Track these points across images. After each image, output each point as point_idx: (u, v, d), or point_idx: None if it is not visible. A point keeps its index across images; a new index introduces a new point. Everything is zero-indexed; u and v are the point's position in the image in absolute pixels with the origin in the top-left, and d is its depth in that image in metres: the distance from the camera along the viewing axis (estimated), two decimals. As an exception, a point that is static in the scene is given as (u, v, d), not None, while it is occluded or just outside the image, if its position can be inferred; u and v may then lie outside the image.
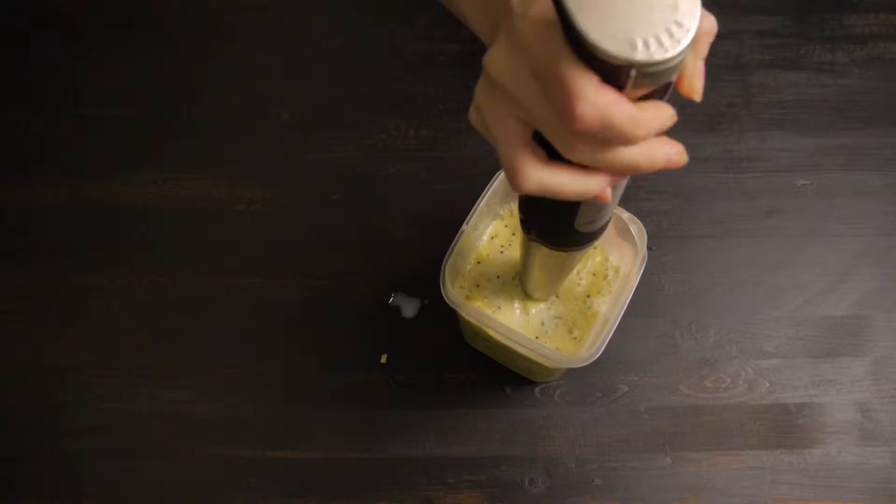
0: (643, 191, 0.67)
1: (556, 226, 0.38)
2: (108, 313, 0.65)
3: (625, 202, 0.66)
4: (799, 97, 0.71)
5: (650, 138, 0.28)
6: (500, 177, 0.52)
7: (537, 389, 0.62)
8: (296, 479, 0.60)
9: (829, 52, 0.72)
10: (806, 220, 0.67)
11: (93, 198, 0.68)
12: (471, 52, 0.73)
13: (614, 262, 0.55)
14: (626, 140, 0.26)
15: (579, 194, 0.29)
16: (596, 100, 0.25)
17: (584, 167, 0.28)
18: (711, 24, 0.27)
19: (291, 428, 0.61)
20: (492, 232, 0.56)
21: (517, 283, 0.54)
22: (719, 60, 0.72)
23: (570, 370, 0.62)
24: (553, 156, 0.29)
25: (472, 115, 0.31)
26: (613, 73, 0.25)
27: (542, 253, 0.42)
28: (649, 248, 0.65)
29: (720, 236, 0.66)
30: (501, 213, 0.57)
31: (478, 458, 0.60)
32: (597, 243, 0.55)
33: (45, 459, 0.61)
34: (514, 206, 0.57)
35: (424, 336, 0.63)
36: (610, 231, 0.53)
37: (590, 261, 0.56)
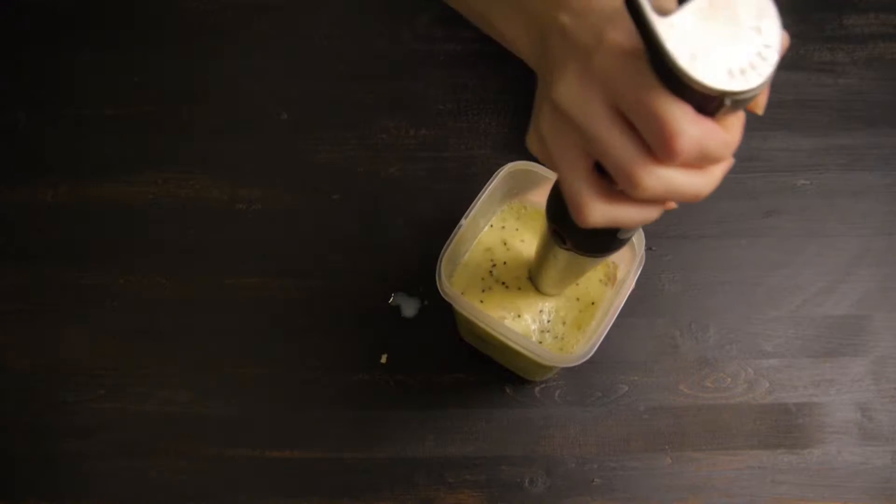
0: (643, 191, 0.67)
1: (596, 238, 0.37)
2: (108, 313, 0.65)
3: (625, 202, 0.66)
4: (799, 97, 0.71)
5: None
6: (500, 174, 0.52)
7: (537, 389, 0.62)
8: (296, 479, 0.60)
9: (829, 52, 0.72)
10: (806, 220, 0.67)
11: (93, 198, 0.68)
12: (471, 52, 0.73)
13: (613, 263, 0.55)
14: (717, 164, 0.26)
15: (642, 223, 0.29)
16: (695, 134, 0.24)
17: None
18: (787, 40, 0.26)
19: (291, 428, 0.61)
20: (492, 228, 0.56)
21: (514, 279, 0.54)
22: (719, 60, 0.72)
23: (569, 370, 0.62)
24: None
25: (533, 144, 0.30)
26: (705, 102, 0.24)
27: (568, 259, 0.41)
28: (649, 249, 0.65)
29: (720, 236, 0.66)
30: (501, 210, 0.57)
31: (478, 458, 0.60)
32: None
33: (45, 459, 0.61)
34: (515, 202, 0.57)
35: (424, 336, 0.63)
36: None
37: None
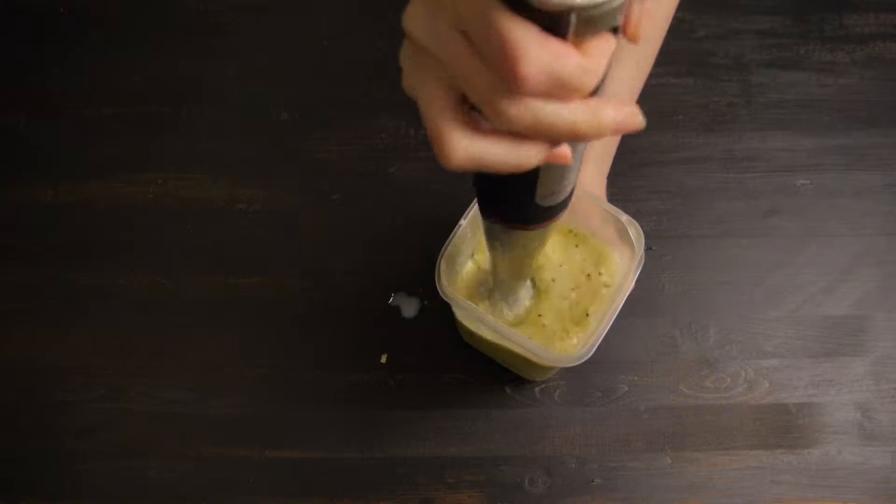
0: (643, 191, 0.67)
1: (514, 203, 0.34)
2: (108, 313, 0.65)
3: (624, 202, 0.66)
4: (799, 97, 0.71)
5: (593, 99, 0.25)
6: None
7: (537, 389, 0.62)
8: (296, 479, 0.60)
9: (829, 52, 0.72)
10: (806, 220, 0.67)
11: (93, 198, 0.68)
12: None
13: (612, 263, 0.55)
14: (577, 94, 0.23)
15: (517, 165, 0.26)
16: (541, 57, 0.22)
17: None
18: None
19: (291, 428, 0.61)
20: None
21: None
22: (719, 60, 0.72)
23: (569, 370, 0.62)
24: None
25: (404, 80, 0.27)
26: (550, 22, 0.22)
27: (503, 236, 0.38)
28: (649, 249, 0.65)
29: (720, 236, 0.66)
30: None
31: (478, 458, 0.60)
32: (595, 244, 0.56)
33: (45, 459, 0.61)
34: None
35: (424, 336, 0.63)
36: (609, 232, 0.53)
37: (588, 261, 0.56)
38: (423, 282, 0.64)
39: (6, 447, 0.61)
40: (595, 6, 0.22)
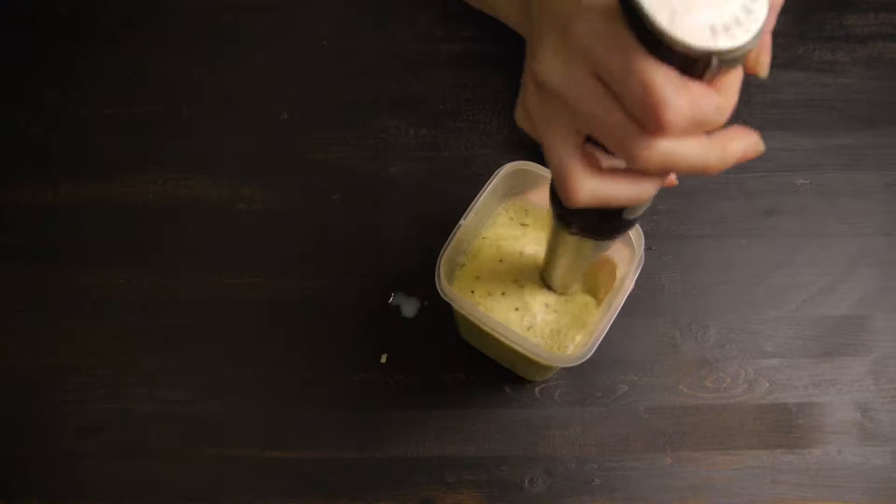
0: (643, 191, 0.67)
1: (601, 217, 0.35)
2: (108, 313, 0.65)
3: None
4: (799, 97, 0.71)
5: (720, 134, 0.25)
6: (500, 173, 0.52)
7: (537, 389, 0.62)
8: (296, 479, 0.60)
9: (829, 52, 0.72)
10: (806, 220, 0.67)
11: (93, 198, 0.68)
12: (471, 52, 0.73)
13: (614, 264, 0.55)
14: (713, 129, 0.24)
15: (637, 200, 0.27)
16: (684, 103, 0.22)
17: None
18: None
19: (291, 428, 0.61)
20: (491, 229, 0.56)
21: (515, 279, 0.54)
22: (719, 60, 0.72)
23: (569, 370, 0.62)
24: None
25: (521, 120, 0.28)
26: (690, 65, 0.22)
27: (576, 244, 0.39)
28: (649, 248, 0.65)
29: (720, 236, 0.66)
30: (501, 209, 0.57)
31: (478, 458, 0.60)
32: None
33: (45, 459, 0.61)
34: (515, 202, 0.57)
35: (424, 336, 0.63)
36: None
37: (586, 261, 0.56)
38: (423, 282, 0.64)
39: (6, 447, 0.61)
40: (736, 49, 0.22)
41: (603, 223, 0.36)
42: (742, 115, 0.70)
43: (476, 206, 0.51)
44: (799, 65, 0.72)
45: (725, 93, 0.24)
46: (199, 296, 0.65)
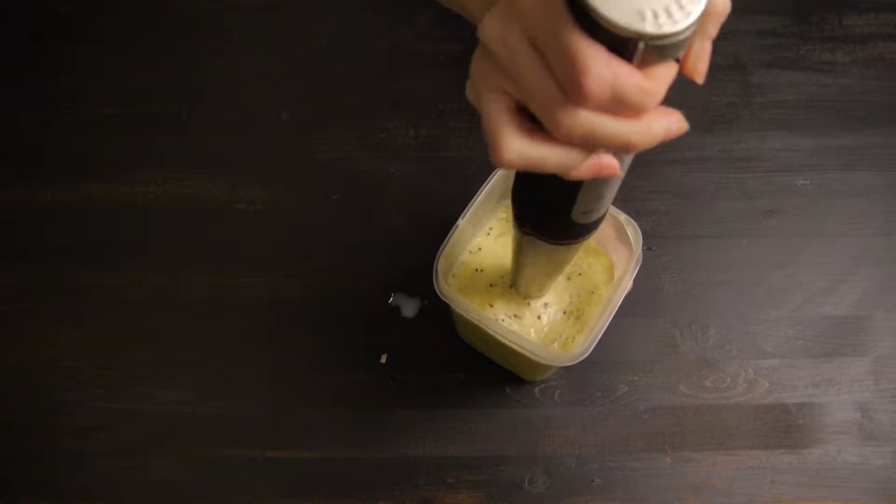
0: (643, 191, 0.67)
1: (551, 216, 0.36)
2: (108, 313, 0.65)
3: (624, 202, 0.66)
4: (799, 97, 0.71)
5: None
6: (498, 173, 0.52)
7: (537, 389, 0.62)
8: (296, 479, 0.60)
9: (829, 52, 0.72)
10: (806, 220, 0.67)
11: (93, 198, 0.68)
12: (471, 52, 0.72)
13: (610, 263, 0.55)
14: (635, 113, 0.25)
15: (564, 167, 0.28)
16: (605, 73, 0.24)
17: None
18: (725, 4, 0.25)
19: (291, 428, 0.61)
20: (489, 229, 0.56)
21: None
22: (719, 60, 0.72)
23: (569, 370, 0.62)
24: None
25: (468, 89, 0.30)
26: (619, 45, 0.24)
27: (535, 248, 0.40)
28: (649, 248, 0.65)
29: (720, 236, 0.66)
30: (499, 210, 0.57)
31: (478, 458, 0.60)
32: (594, 244, 0.56)
33: (45, 459, 0.61)
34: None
35: (424, 336, 0.63)
36: (607, 231, 0.53)
37: (586, 261, 0.56)
38: (423, 282, 0.63)
39: (6, 447, 0.61)
40: (662, 36, 0.23)
41: (553, 223, 0.37)
42: (742, 116, 0.70)
43: (474, 207, 0.51)
44: (799, 65, 0.72)
45: (653, 80, 0.25)
46: (199, 296, 0.65)
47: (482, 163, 0.69)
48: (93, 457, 0.61)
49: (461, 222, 0.51)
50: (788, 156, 0.69)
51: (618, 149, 0.27)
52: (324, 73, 0.72)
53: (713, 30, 0.26)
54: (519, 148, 0.27)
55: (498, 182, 0.52)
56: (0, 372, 0.63)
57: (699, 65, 0.27)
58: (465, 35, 0.73)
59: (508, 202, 0.56)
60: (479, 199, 0.51)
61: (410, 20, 0.74)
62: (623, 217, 0.51)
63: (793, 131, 0.70)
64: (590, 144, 0.27)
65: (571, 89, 0.24)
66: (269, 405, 0.62)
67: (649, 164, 0.68)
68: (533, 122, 0.27)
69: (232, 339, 0.64)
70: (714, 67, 0.71)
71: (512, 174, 0.53)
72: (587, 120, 0.25)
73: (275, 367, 0.63)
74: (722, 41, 0.71)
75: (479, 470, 0.60)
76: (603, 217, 0.38)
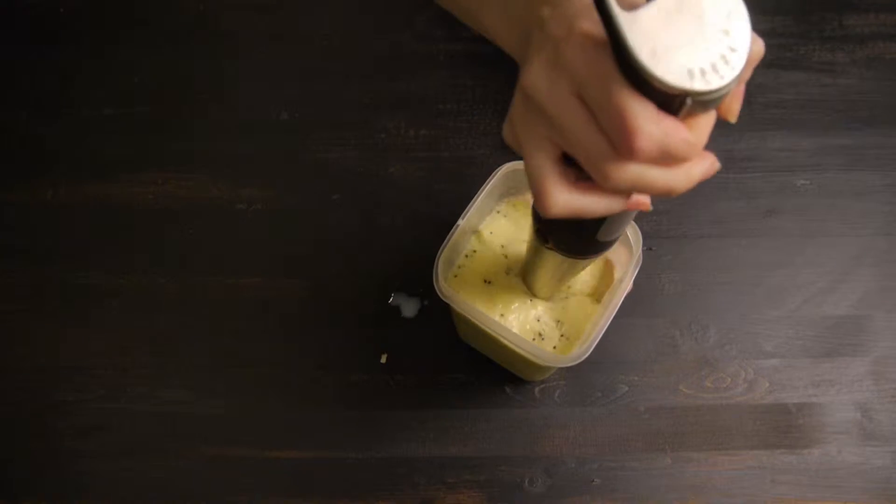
0: (643, 191, 0.67)
1: (576, 238, 0.37)
2: (108, 313, 0.65)
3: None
4: (799, 97, 0.71)
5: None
6: (498, 173, 0.52)
7: (537, 389, 0.62)
8: (296, 479, 0.60)
9: (829, 52, 0.72)
10: (806, 220, 0.67)
11: (93, 198, 0.68)
12: (471, 52, 0.73)
13: (610, 264, 0.55)
14: (680, 164, 0.26)
15: (607, 213, 0.29)
16: (655, 132, 0.24)
17: None
18: (760, 47, 0.26)
19: (291, 428, 0.61)
20: (489, 228, 0.56)
21: (513, 279, 0.54)
22: (719, 60, 0.72)
23: (569, 370, 0.62)
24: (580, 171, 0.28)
25: (506, 132, 0.30)
26: (667, 101, 0.24)
27: (554, 259, 0.41)
28: (649, 249, 0.65)
29: (720, 236, 0.66)
30: (499, 209, 0.57)
31: (478, 458, 0.60)
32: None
33: (45, 459, 0.61)
34: (512, 202, 0.57)
35: (424, 336, 0.63)
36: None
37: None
38: (423, 282, 0.64)
39: (6, 447, 0.61)
40: (710, 92, 0.24)
41: (577, 242, 0.38)
42: (742, 116, 0.70)
43: (474, 207, 0.51)
44: (799, 65, 0.72)
45: (696, 131, 0.26)
46: (199, 296, 0.65)
47: (482, 163, 0.69)
48: (93, 457, 0.61)
49: (461, 222, 0.51)
50: (788, 156, 0.69)
51: (660, 195, 0.28)
52: (324, 73, 0.72)
53: (748, 73, 0.27)
54: (566, 200, 0.28)
55: (498, 182, 0.52)
56: (0, 372, 0.63)
57: (734, 106, 0.28)
58: (465, 35, 0.73)
59: (509, 201, 0.56)
60: (478, 199, 0.51)
61: (410, 20, 0.74)
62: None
63: (793, 131, 0.70)
64: (634, 192, 0.28)
65: (622, 147, 0.25)
66: (269, 405, 0.62)
67: (649, 164, 0.68)
68: (577, 169, 0.28)
69: (232, 339, 0.64)
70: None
71: (514, 177, 0.53)
72: (635, 173, 0.26)
73: (275, 366, 0.63)
74: (757, 36, 0.72)
75: (479, 470, 0.60)
76: (622, 232, 0.38)
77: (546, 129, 0.27)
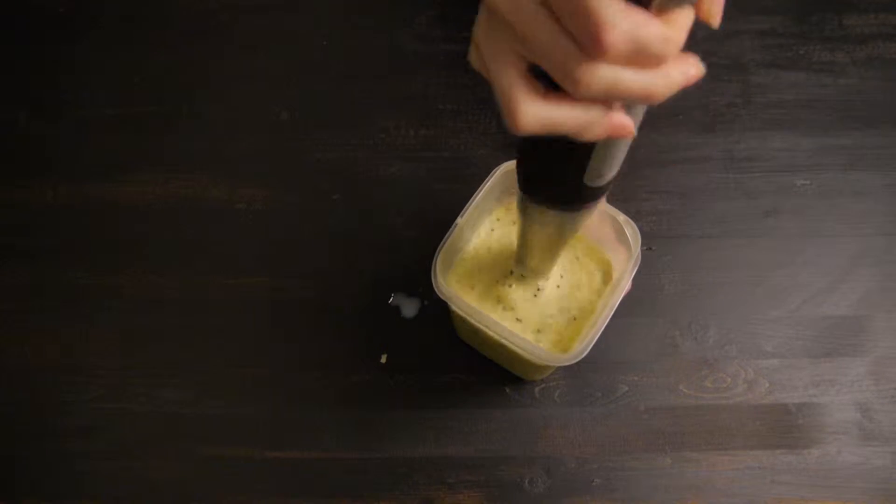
0: (643, 190, 0.67)
1: (562, 182, 0.35)
2: (108, 313, 0.65)
3: (624, 202, 0.66)
4: (799, 97, 0.71)
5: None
6: (497, 172, 0.52)
7: (537, 389, 0.62)
8: (296, 479, 0.60)
9: (829, 52, 0.72)
10: (806, 220, 0.67)
11: (93, 198, 0.68)
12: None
13: (609, 264, 0.55)
14: (657, 62, 0.24)
15: (582, 127, 0.27)
16: (624, 25, 0.23)
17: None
18: None
19: (291, 428, 0.61)
20: (488, 228, 0.56)
21: (512, 278, 0.54)
22: (719, 60, 0.72)
23: (569, 370, 0.62)
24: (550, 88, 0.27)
25: (472, 55, 0.29)
26: None
27: (543, 218, 0.39)
28: (649, 249, 0.65)
29: (720, 236, 0.66)
30: (498, 209, 0.57)
31: (478, 458, 0.60)
32: (593, 244, 0.56)
33: (45, 459, 0.61)
34: (511, 202, 0.57)
35: (424, 336, 0.63)
36: (606, 231, 0.53)
37: (585, 261, 0.56)
38: (423, 282, 0.63)
39: (6, 447, 0.61)
40: None
41: (564, 188, 0.35)
42: (742, 116, 0.70)
43: (473, 206, 0.51)
44: (799, 65, 0.72)
45: (672, 25, 0.24)
46: (199, 296, 0.65)
47: (482, 163, 0.69)
48: (93, 457, 0.61)
49: (460, 221, 0.51)
50: (788, 156, 0.69)
51: (639, 101, 0.26)
52: (324, 73, 0.72)
53: None
54: (536, 111, 0.26)
55: (497, 181, 0.52)
56: (0, 372, 0.63)
57: (714, 7, 0.26)
58: (465, 35, 0.73)
59: (508, 200, 0.56)
60: (477, 199, 0.51)
61: (410, 20, 0.74)
62: (622, 217, 0.51)
63: (793, 131, 0.70)
64: (610, 99, 0.26)
65: (590, 45, 0.23)
66: (269, 405, 0.62)
67: (649, 164, 0.68)
68: (547, 82, 0.27)
69: (232, 339, 0.64)
70: (714, 67, 0.71)
71: (511, 175, 0.53)
72: (607, 74, 0.24)
73: (275, 367, 0.63)
74: (722, 41, 0.72)
75: (479, 470, 0.60)
76: (614, 179, 0.36)
77: (511, 43, 0.26)
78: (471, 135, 0.70)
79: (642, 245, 0.51)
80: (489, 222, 0.56)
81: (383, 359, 0.62)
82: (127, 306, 0.65)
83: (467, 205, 0.51)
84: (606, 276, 0.55)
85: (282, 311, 0.64)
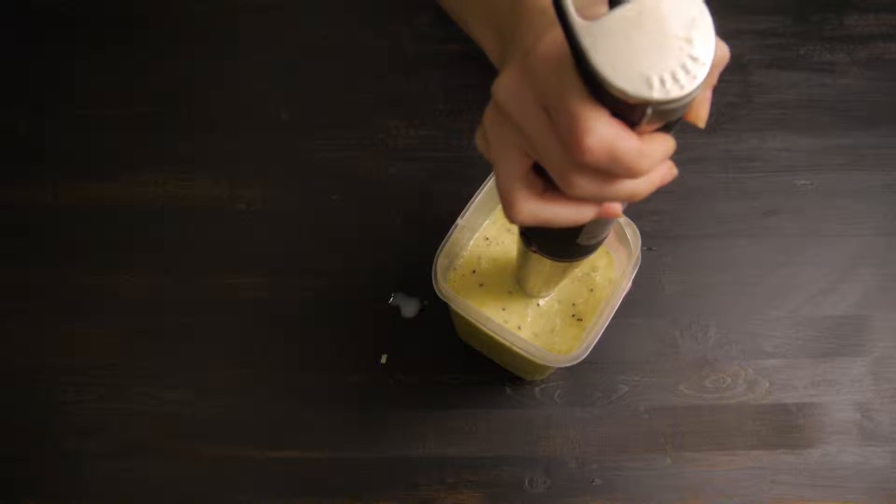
0: (643, 191, 0.67)
1: (558, 242, 0.37)
2: (108, 313, 0.65)
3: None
4: (799, 97, 0.71)
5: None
6: None
7: (537, 389, 0.62)
8: (296, 479, 0.60)
9: (829, 52, 0.72)
10: (806, 220, 0.67)
11: (93, 198, 0.68)
12: (471, 52, 0.73)
13: (609, 264, 0.55)
14: (632, 174, 0.26)
15: (573, 223, 0.29)
16: (604, 134, 0.24)
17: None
18: (724, 52, 0.26)
19: (291, 428, 0.61)
20: (488, 228, 0.56)
21: (511, 279, 0.54)
22: (719, 60, 0.72)
23: (569, 370, 0.62)
24: (550, 183, 0.28)
25: (479, 140, 0.31)
26: (628, 110, 0.24)
27: (540, 262, 0.41)
28: (649, 249, 0.65)
29: (720, 236, 0.66)
30: (498, 209, 0.57)
31: (478, 458, 0.60)
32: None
33: (45, 459, 0.61)
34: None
35: (424, 336, 0.63)
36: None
37: (586, 262, 0.56)
38: (423, 282, 0.63)
39: (6, 447, 0.61)
40: (670, 101, 0.24)
41: (559, 247, 0.38)
42: (742, 116, 0.70)
43: (473, 206, 0.51)
44: (799, 65, 0.72)
45: (650, 140, 0.26)
46: (199, 296, 0.65)
47: (481, 163, 0.68)
48: (93, 457, 0.61)
49: (460, 222, 0.51)
50: (788, 156, 0.69)
51: (625, 200, 0.28)
52: (324, 73, 0.72)
53: (714, 78, 0.27)
54: (532, 209, 0.29)
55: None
56: (0, 372, 0.63)
57: (701, 112, 0.28)
58: (465, 35, 0.73)
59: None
60: (477, 199, 0.51)
61: (410, 20, 0.74)
62: (623, 218, 0.51)
63: (793, 131, 0.70)
64: (599, 200, 0.28)
65: (571, 146, 0.25)
66: (269, 405, 0.62)
67: (649, 164, 0.68)
68: (545, 179, 0.28)
69: (232, 339, 0.64)
70: (714, 67, 0.71)
71: None
72: (597, 182, 0.26)
73: (275, 367, 0.63)
74: (722, 41, 0.72)
75: (479, 470, 0.60)
76: (607, 235, 0.38)
77: (515, 138, 0.28)
78: (471, 135, 0.70)
79: (642, 245, 0.51)
80: (489, 223, 0.56)
81: (383, 359, 0.62)
82: (127, 306, 0.65)
83: (467, 205, 0.51)
84: (606, 277, 0.55)
85: (282, 310, 0.64)
